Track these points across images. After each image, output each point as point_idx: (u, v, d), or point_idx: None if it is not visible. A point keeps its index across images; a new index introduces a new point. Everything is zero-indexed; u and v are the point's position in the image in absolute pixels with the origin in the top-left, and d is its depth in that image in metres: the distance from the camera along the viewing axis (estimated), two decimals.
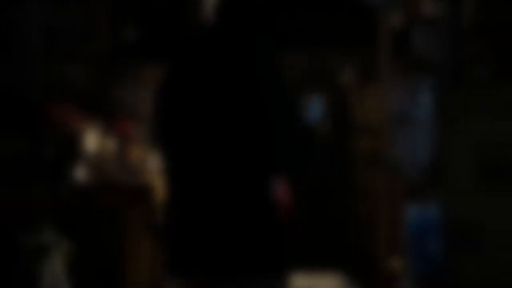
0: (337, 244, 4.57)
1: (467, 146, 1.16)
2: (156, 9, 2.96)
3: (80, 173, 2.13)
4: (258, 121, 1.41)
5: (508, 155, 1.07)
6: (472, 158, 1.14)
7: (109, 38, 2.68)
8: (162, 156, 1.63)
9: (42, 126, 1.79)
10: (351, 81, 4.86)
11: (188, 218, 1.50)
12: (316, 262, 3.19)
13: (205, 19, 1.60)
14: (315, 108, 4.75)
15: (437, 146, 1.56)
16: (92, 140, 2.21)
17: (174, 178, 1.54)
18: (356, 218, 4.92)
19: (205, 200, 1.47)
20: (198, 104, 1.47)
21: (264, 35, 1.68)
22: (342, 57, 5.15)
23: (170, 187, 1.52)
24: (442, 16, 1.58)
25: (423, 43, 1.70)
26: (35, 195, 1.77)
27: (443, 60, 1.53)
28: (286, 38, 5.06)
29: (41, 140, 1.76)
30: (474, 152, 1.14)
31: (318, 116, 4.55)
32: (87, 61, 2.74)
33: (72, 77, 2.69)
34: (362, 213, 4.83)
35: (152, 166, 2.44)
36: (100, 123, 2.31)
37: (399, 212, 2.15)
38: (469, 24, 1.53)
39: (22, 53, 1.81)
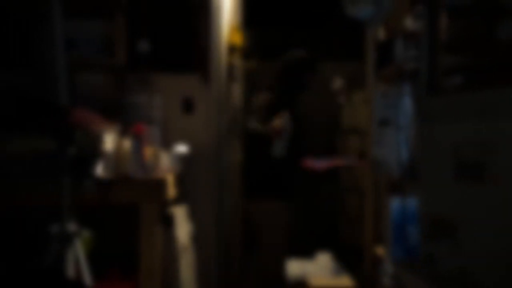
0: (328, 233, 4.58)
1: (442, 146, 1.16)
2: (167, 25, 2.97)
3: (101, 170, 2.14)
4: None
5: (479, 154, 1.08)
6: (447, 157, 1.15)
7: (126, 50, 2.69)
8: None
9: (67, 128, 1.79)
10: (341, 87, 4.87)
11: None
12: (309, 250, 3.19)
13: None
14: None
15: (416, 146, 1.56)
16: (111, 140, 2.22)
17: None
18: (345, 210, 4.93)
19: None
20: None
21: None
22: (333, 67, 5.16)
23: None
24: (420, 31, 1.58)
25: (404, 54, 1.70)
26: (61, 189, 1.77)
27: (421, 69, 1.53)
28: (282, 49, 5.07)
29: (66, 141, 1.76)
30: (449, 151, 1.14)
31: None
32: (106, 70, 2.74)
33: (92, 85, 2.69)
34: (351, 205, 4.84)
35: (164, 164, 2.45)
36: (118, 126, 2.32)
37: (383, 205, 2.15)
38: (445, 38, 1.53)
39: (48, 64, 1.81)
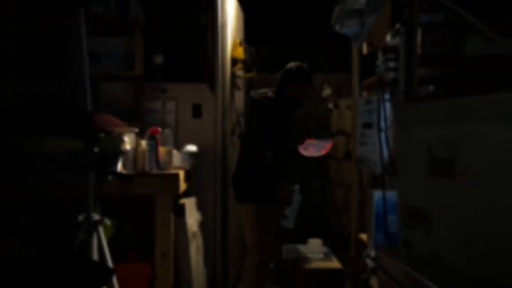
0: (319, 222, 4.58)
1: (417, 146, 1.17)
2: (179, 42, 2.98)
3: (121, 166, 2.14)
4: None
5: (449, 153, 1.08)
6: (421, 155, 1.15)
7: (143, 63, 2.69)
8: None
9: (93, 131, 1.79)
10: (329, 95, 4.88)
11: None
12: (303, 237, 3.19)
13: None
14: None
15: (394, 146, 1.57)
16: (130, 141, 2.22)
17: None
18: (333, 202, 4.92)
19: None
20: None
21: None
22: (323, 77, 5.16)
23: None
24: (399, 46, 1.58)
25: (384, 66, 1.70)
26: (88, 183, 1.77)
27: (399, 79, 1.53)
28: (278, 62, 5.07)
29: (92, 142, 1.76)
30: (422, 150, 1.15)
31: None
32: (126, 80, 2.75)
33: (114, 93, 2.70)
34: (338, 198, 4.84)
35: (176, 161, 2.45)
36: (136, 128, 2.32)
37: (366, 197, 2.15)
38: (420, 52, 1.54)
39: (75, 75, 1.82)
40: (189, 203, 2.56)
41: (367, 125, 1.78)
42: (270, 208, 2.46)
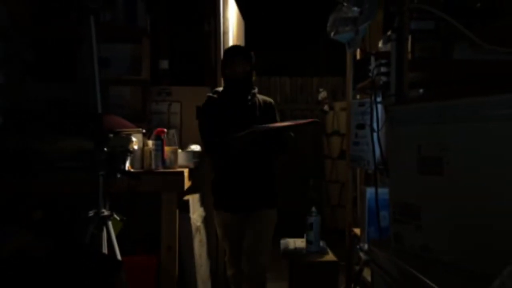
0: None
1: (407, 145, 1.17)
2: (184, 48, 2.98)
3: (129, 165, 2.14)
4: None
5: (437, 151, 1.08)
6: (412, 154, 1.15)
7: (150, 68, 2.70)
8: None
9: (103, 131, 1.79)
10: (325, 98, 4.88)
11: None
12: (300, 231, 3.19)
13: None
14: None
15: (386, 145, 1.57)
16: (138, 141, 2.22)
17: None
18: (329, 199, 4.92)
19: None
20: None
21: None
22: (319, 81, 5.16)
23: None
24: (391, 51, 1.59)
25: (377, 71, 1.71)
26: (98, 181, 1.77)
27: (391, 83, 1.54)
28: (277, 66, 5.08)
29: (102, 142, 1.77)
30: (413, 149, 1.15)
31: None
32: (133, 84, 2.75)
33: (122, 96, 2.70)
34: (333, 195, 4.84)
35: (181, 160, 2.45)
36: (143, 129, 2.32)
37: (360, 194, 2.16)
38: (410, 58, 1.54)
39: (86, 79, 1.82)
40: (193, 200, 2.56)
41: (361, 126, 1.78)
42: (218, 216, 2.32)
